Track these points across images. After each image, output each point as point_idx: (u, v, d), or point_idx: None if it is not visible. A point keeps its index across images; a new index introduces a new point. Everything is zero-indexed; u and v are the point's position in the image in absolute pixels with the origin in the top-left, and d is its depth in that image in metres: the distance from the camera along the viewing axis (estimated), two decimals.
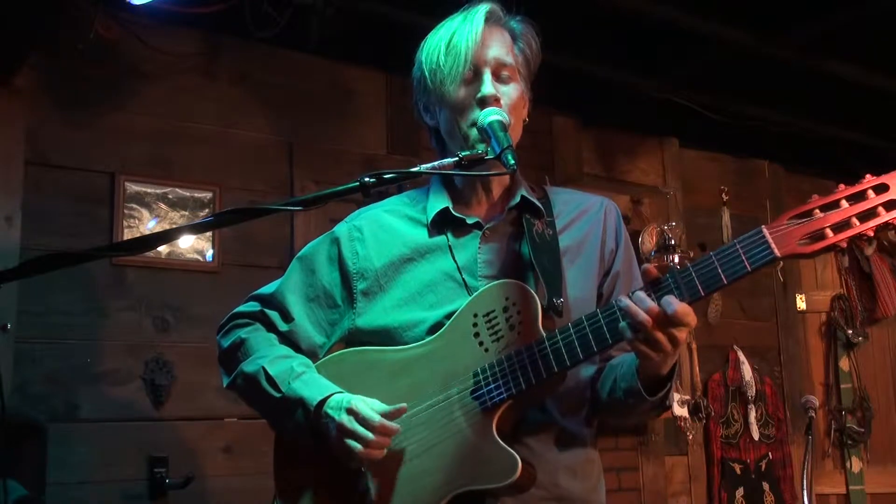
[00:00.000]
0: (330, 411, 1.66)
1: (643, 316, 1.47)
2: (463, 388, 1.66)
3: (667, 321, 1.47)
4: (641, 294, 1.50)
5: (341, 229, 1.89)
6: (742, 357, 4.96)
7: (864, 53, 3.97)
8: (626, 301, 1.50)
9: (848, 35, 3.75)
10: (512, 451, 1.59)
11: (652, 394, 1.60)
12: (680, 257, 4.57)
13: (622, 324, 1.51)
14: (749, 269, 1.47)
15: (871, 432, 5.28)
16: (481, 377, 1.64)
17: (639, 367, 1.59)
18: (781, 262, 1.52)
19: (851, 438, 5.24)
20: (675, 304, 1.47)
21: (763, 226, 1.47)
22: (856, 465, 5.25)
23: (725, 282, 1.48)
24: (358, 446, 1.61)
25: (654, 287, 1.52)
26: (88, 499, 3.12)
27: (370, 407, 1.64)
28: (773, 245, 1.45)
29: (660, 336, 1.48)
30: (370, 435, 1.60)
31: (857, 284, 5.39)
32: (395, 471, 1.67)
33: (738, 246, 1.48)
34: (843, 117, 4.69)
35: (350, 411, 1.63)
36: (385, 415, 1.63)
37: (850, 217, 1.43)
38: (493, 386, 1.63)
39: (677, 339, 1.50)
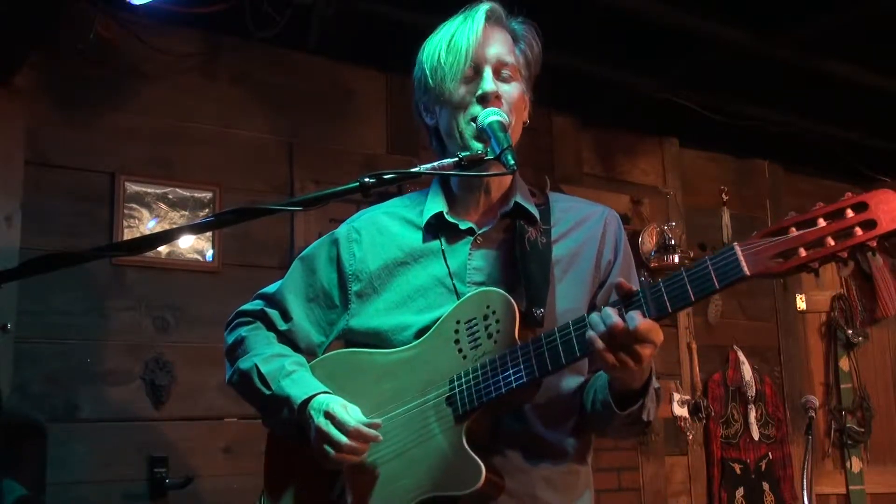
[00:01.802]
0: (312, 412, 1.68)
1: (603, 329, 1.47)
2: (439, 395, 1.67)
3: (630, 337, 1.46)
4: (609, 309, 1.49)
5: (341, 230, 1.91)
6: (742, 357, 4.96)
7: (864, 53, 3.97)
8: (593, 315, 1.50)
9: (848, 35, 3.75)
10: (478, 459, 1.58)
11: (623, 407, 1.59)
12: (680, 257, 4.57)
13: (588, 334, 1.49)
14: (717, 286, 1.43)
15: (871, 432, 5.28)
16: (456, 384, 1.65)
17: (609, 379, 1.59)
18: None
19: (851, 438, 5.24)
20: (637, 319, 1.45)
21: (736, 243, 1.44)
22: (856, 465, 5.25)
23: (693, 299, 1.46)
24: (331, 450, 1.63)
25: (626, 302, 1.50)
26: (88, 499, 3.12)
27: (348, 412, 1.65)
28: (743, 263, 1.41)
29: (621, 353, 1.47)
30: (344, 439, 1.62)
31: (857, 284, 5.39)
32: (371, 473, 1.70)
33: (709, 263, 1.45)
34: (843, 117, 4.70)
35: (327, 414, 1.65)
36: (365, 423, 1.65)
37: (825, 236, 1.38)
38: (465, 394, 1.63)
39: (640, 356, 1.48)
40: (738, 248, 1.43)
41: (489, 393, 1.60)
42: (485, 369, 1.62)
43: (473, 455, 1.59)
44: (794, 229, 1.41)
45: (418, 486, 1.63)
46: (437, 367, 1.68)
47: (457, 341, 1.68)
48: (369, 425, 1.65)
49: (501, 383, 1.59)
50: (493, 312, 1.65)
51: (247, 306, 1.95)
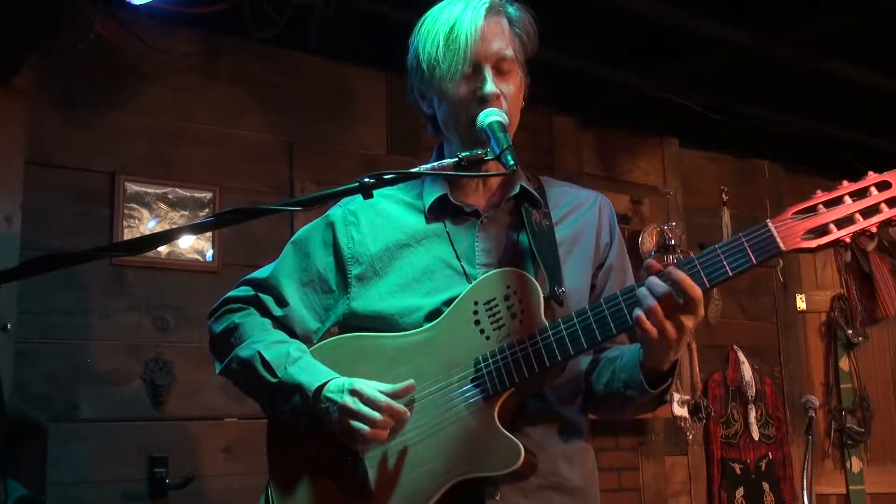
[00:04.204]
0: (330, 395, 1.64)
1: (652, 302, 1.49)
2: (464, 376, 1.66)
3: (676, 306, 1.49)
4: (655, 279, 1.51)
5: (335, 213, 1.87)
6: (742, 357, 4.96)
7: (864, 53, 3.97)
8: (640, 289, 1.52)
9: (848, 35, 3.75)
10: (515, 438, 1.59)
11: (653, 387, 1.61)
12: (680, 257, 4.57)
13: (636, 312, 1.52)
14: (754, 262, 1.49)
15: (871, 432, 5.28)
16: (482, 365, 1.64)
17: (642, 359, 1.60)
18: (781, 261, 1.53)
19: (851, 438, 5.24)
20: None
21: (768, 220, 1.50)
22: (856, 465, 5.25)
23: (730, 274, 1.50)
24: (364, 427, 1.60)
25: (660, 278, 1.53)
26: (88, 499, 3.12)
27: (373, 388, 1.63)
28: (778, 239, 1.48)
29: (668, 323, 1.49)
30: (377, 415, 1.60)
31: (857, 284, 5.39)
32: (395, 457, 1.67)
33: (743, 239, 1.50)
34: (843, 117, 4.69)
35: (354, 392, 1.62)
36: (393, 393, 1.62)
37: (854, 213, 1.46)
38: (495, 374, 1.63)
39: (684, 327, 1.50)
40: (771, 225, 1.49)
41: (521, 373, 1.61)
42: (513, 349, 1.62)
43: (509, 435, 1.60)
44: (822, 207, 1.48)
45: (450, 469, 1.62)
46: (458, 349, 1.67)
47: (477, 322, 1.67)
48: (403, 389, 1.62)
49: (534, 362, 1.60)
50: (515, 293, 1.66)
51: (235, 292, 1.89)
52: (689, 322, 1.50)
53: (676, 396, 4.62)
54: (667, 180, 4.96)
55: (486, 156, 1.61)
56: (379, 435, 1.61)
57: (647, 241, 4.61)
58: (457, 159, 1.59)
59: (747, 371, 4.93)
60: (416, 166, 1.59)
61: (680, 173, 5.02)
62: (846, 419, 5.26)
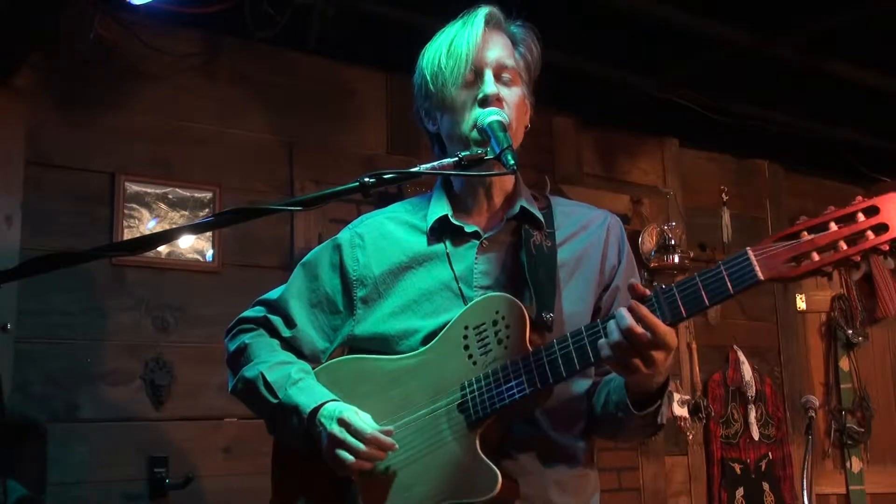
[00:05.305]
0: (323, 420, 1.67)
1: (617, 337, 1.47)
2: (450, 401, 1.66)
3: (645, 342, 1.46)
4: (623, 311, 1.48)
5: (344, 236, 1.90)
6: (742, 357, 4.96)
7: (864, 53, 3.97)
8: (610, 322, 1.50)
9: (848, 35, 3.75)
10: (493, 466, 1.59)
11: (641, 408, 1.59)
12: (680, 257, 4.57)
13: (601, 341, 1.50)
14: (732, 292, 1.45)
15: (871, 432, 5.28)
16: (468, 391, 1.64)
17: (626, 382, 1.59)
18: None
19: (851, 438, 5.25)
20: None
21: (748, 247, 1.45)
22: (856, 465, 5.25)
23: (708, 304, 1.47)
24: (349, 457, 1.62)
25: None
26: (88, 499, 3.12)
27: (362, 419, 1.65)
28: (757, 268, 1.42)
29: (635, 358, 1.47)
30: (361, 446, 1.61)
31: (857, 284, 5.39)
32: (384, 481, 1.68)
33: (722, 268, 1.46)
34: (843, 117, 4.70)
35: (342, 422, 1.64)
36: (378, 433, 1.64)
37: (838, 240, 1.39)
38: (478, 400, 1.63)
39: (653, 361, 1.48)
40: (750, 253, 1.44)
41: (502, 400, 1.60)
42: (496, 375, 1.62)
43: (489, 462, 1.59)
44: (806, 233, 1.42)
45: (434, 494, 1.63)
46: (447, 374, 1.68)
47: (466, 347, 1.68)
48: (384, 432, 1.63)
49: (515, 390, 1.59)
50: (503, 318, 1.65)
51: (248, 313, 1.93)
52: (659, 356, 1.47)
53: (676, 396, 4.62)
54: (667, 180, 4.96)
55: (486, 155, 1.60)
56: (362, 466, 1.63)
57: (647, 241, 4.61)
58: (457, 159, 1.59)
59: (747, 371, 4.93)
60: (416, 166, 1.58)
61: (680, 173, 5.02)
62: (846, 419, 5.26)
